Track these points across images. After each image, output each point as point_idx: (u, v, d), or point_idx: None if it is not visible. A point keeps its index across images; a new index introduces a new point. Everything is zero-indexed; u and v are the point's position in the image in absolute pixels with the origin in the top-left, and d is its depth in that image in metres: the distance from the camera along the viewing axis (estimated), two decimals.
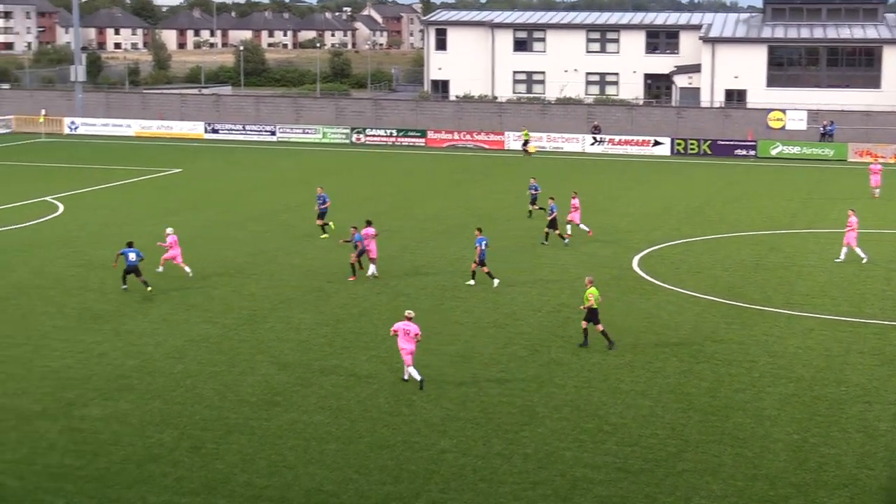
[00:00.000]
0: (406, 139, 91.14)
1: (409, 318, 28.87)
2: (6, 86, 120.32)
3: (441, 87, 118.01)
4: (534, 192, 55.00)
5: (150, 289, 38.39)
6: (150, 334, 33.58)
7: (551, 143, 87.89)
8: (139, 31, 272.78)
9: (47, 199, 59.69)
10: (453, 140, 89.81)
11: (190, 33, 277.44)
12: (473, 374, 29.95)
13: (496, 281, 39.91)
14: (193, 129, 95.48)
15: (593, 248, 47.30)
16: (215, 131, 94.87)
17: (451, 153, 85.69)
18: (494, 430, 25.79)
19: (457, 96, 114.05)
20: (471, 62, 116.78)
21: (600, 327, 32.08)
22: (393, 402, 27.62)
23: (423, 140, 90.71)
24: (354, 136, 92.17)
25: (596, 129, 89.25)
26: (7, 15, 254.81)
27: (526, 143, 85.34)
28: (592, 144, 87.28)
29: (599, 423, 26.30)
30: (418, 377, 28.77)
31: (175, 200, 59.98)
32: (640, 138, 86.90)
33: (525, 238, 48.87)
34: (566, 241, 48.01)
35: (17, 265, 43.17)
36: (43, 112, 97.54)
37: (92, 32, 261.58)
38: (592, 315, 31.87)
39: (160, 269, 41.32)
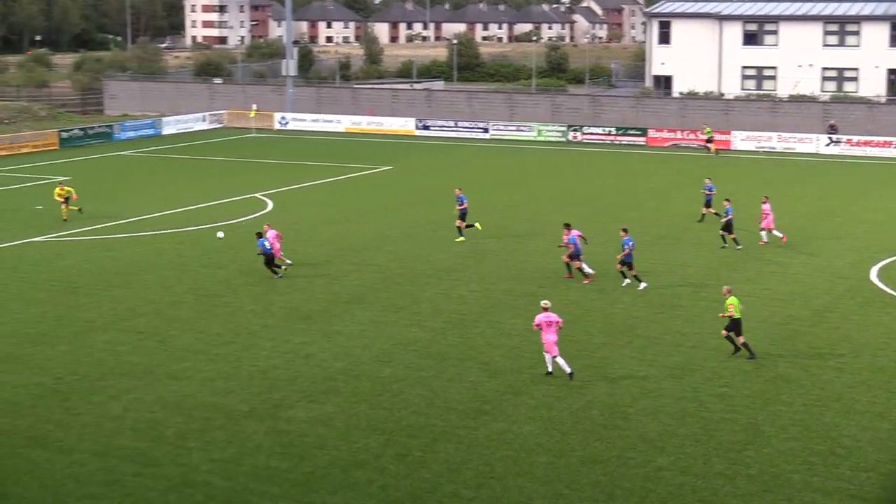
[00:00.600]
0: (625, 138, 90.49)
1: (547, 309, 29.94)
2: (219, 80, 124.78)
3: (664, 82, 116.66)
4: (708, 193, 53.84)
5: (280, 274, 41.60)
6: (357, 336, 34.30)
7: (782, 144, 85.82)
8: (351, 25, 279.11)
9: (257, 195, 61.64)
10: (676, 139, 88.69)
11: (402, 26, 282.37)
12: (694, 388, 29.51)
13: (643, 284, 40.20)
14: (404, 125, 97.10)
15: (827, 258, 45.96)
16: (426, 128, 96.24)
17: (673, 153, 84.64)
18: (715, 448, 25.35)
19: (680, 93, 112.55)
20: (696, 56, 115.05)
21: (741, 339, 31.98)
22: (607, 414, 27.46)
23: (643, 139, 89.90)
24: (571, 134, 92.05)
25: (832, 129, 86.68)
26: (221, 9, 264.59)
27: (710, 140, 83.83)
28: (828, 145, 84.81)
29: (831, 445, 25.54)
30: (568, 369, 29.85)
31: (385, 198, 61.09)
32: (882, 139, 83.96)
33: (750, 245, 47.84)
34: (739, 245, 47.33)
35: (227, 262, 44.75)
36: (254, 107, 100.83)
37: (304, 26, 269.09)
38: (735, 325, 31.88)
39: (288, 262, 43.17)
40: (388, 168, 74.44)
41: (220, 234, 43.58)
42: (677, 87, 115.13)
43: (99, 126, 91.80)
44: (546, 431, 26.31)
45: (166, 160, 78.71)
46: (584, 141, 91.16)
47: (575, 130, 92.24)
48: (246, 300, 38.69)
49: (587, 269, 41.53)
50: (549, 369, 30.22)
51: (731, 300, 31.84)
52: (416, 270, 43.37)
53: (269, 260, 41.74)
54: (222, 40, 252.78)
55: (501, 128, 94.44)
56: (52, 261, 44.62)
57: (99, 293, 39.53)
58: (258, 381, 29.96)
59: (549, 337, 29.84)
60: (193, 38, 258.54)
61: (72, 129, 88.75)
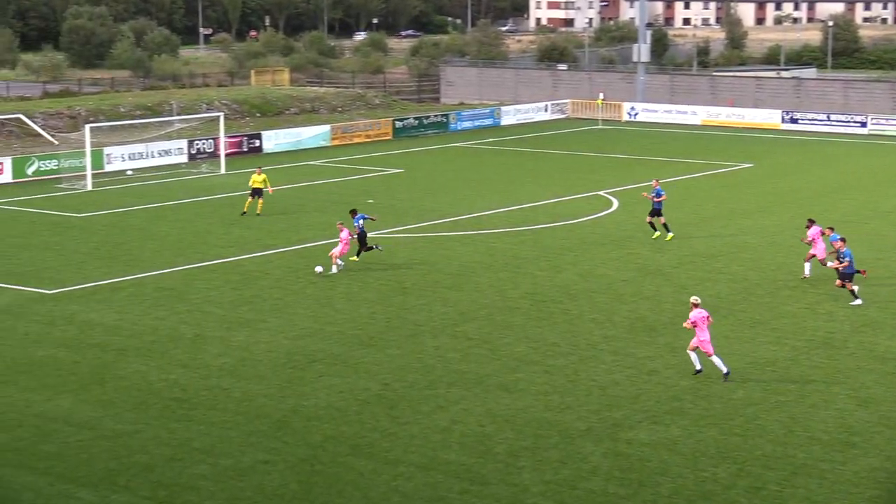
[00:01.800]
0: None
1: (698, 305, 31.52)
2: (563, 67, 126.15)
3: None
4: None
5: (381, 248, 45.55)
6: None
7: None
8: (711, 6, 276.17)
9: (601, 193, 61.91)
10: None
11: (770, 7, 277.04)
12: None
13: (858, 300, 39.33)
14: (769, 117, 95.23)
15: None
16: (794, 121, 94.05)
17: None
18: None
19: None
20: None
21: None
22: None
23: None
24: None
25: None
26: None
27: None
28: None
29: None
30: (725, 368, 31.27)
31: (744, 200, 60.14)
32: None
33: None
34: None
35: (566, 265, 45.18)
36: (601, 96, 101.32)
37: (659, 7, 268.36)
38: None
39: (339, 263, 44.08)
40: (748, 166, 73.23)
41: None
42: None
43: (434, 115, 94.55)
44: None
45: (504, 153, 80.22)
46: None
47: None
48: (586, 308, 38.94)
49: (806, 271, 42.34)
50: (699, 367, 31.62)
51: None
52: (778, 281, 42.49)
53: (362, 238, 44.60)
54: (568, 23, 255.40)
55: (882, 122, 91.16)
56: (381, 258, 46.27)
57: (429, 294, 40.72)
58: (597, 398, 30.11)
59: (704, 335, 31.26)
60: (537, 20, 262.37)
61: (406, 119, 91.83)
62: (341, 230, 44.23)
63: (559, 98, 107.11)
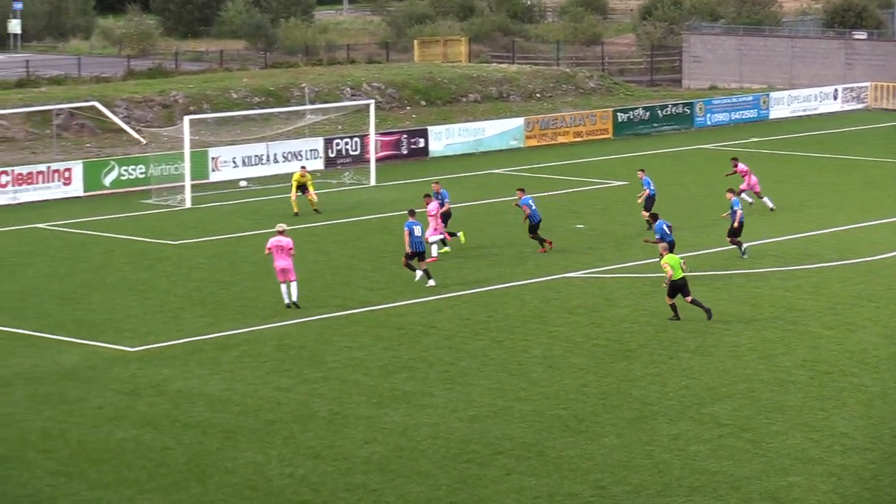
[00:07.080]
0: None
1: (282, 232, 45.26)
2: (862, 35, 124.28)
3: None
4: None
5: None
6: None
7: None
8: None
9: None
10: None
11: None
12: None
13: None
14: None
15: None
16: None
17: None
18: None
19: None
20: None
21: (689, 298, 43.96)
22: None
23: None
24: None
25: None
26: None
27: None
28: None
29: None
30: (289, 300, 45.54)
31: None
32: None
33: None
34: None
35: (863, 322, 44.61)
36: None
37: None
38: (679, 288, 43.89)
39: None
40: None
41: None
42: None
43: (674, 104, 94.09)
44: None
45: (773, 159, 79.37)
46: None
47: None
48: (892, 384, 38.38)
49: None
50: (287, 301, 45.52)
51: (668, 259, 44.04)
52: None
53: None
54: None
55: None
56: (598, 308, 46.18)
57: (664, 361, 40.52)
58: None
59: (281, 262, 44.97)
60: None
61: (633, 109, 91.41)
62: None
63: (855, 80, 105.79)
